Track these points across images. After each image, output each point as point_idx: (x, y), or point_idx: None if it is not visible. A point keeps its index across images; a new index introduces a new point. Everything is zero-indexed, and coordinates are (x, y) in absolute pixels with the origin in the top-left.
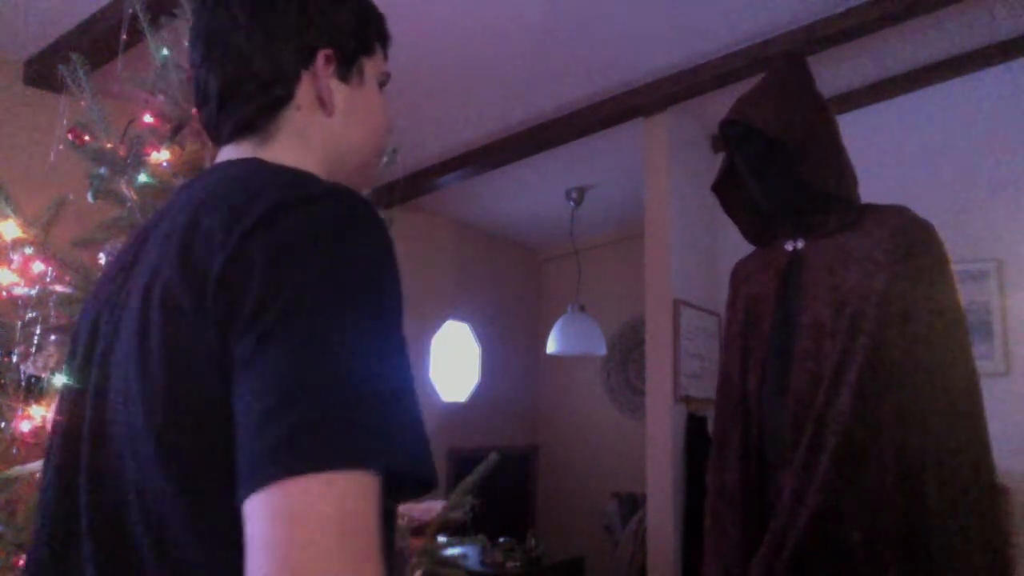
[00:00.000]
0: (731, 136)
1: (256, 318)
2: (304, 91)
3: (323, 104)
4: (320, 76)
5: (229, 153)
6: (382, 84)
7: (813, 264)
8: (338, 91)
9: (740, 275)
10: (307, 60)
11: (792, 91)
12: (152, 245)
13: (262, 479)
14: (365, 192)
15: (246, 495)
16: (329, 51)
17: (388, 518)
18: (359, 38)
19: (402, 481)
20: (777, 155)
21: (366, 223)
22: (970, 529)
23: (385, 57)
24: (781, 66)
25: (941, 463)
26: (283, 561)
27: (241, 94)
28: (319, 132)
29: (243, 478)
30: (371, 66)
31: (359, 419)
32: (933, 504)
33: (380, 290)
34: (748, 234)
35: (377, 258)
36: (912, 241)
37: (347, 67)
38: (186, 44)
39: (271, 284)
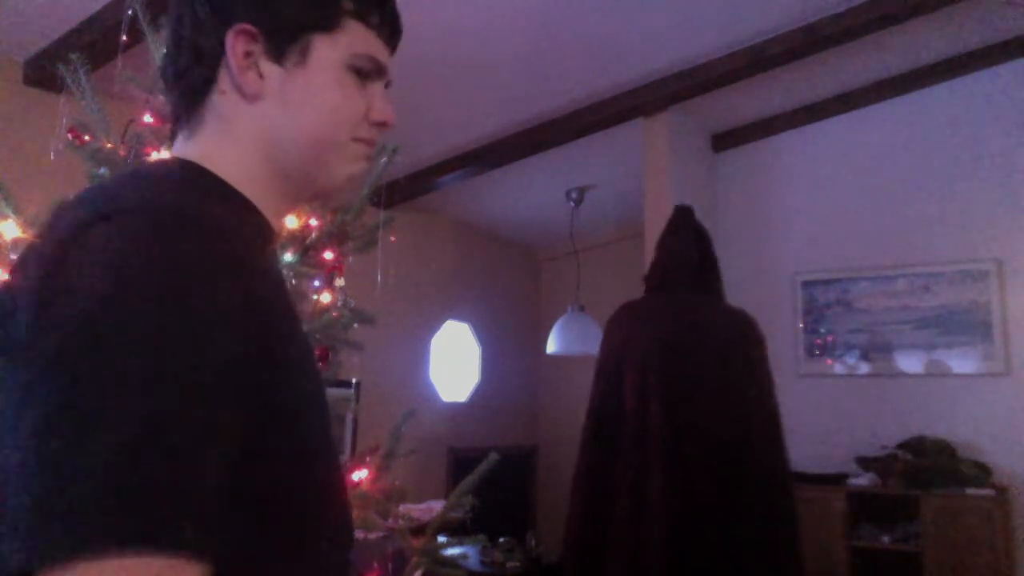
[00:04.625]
0: None
1: (18, 364)
2: (226, 73)
3: (238, 88)
4: (232, 55)
5: (174, 145)
6: (360, 69)
7: None
8: (270, 73)
9: None
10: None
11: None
12: None
13: (19, 558)
14: (365, 189)
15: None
16: (246, 26)
17: None
18: (308, 12)
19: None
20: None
21: (155, 251)
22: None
23: (378, 34)
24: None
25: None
26: None
27: (171, 79)
28: (245, 120)
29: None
30: (329, 45)
31: (102, 495)
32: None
33: (154, 334)
34: None
35: (158, 295)
36: None
37: (281, 45)
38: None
39: (37, 325)
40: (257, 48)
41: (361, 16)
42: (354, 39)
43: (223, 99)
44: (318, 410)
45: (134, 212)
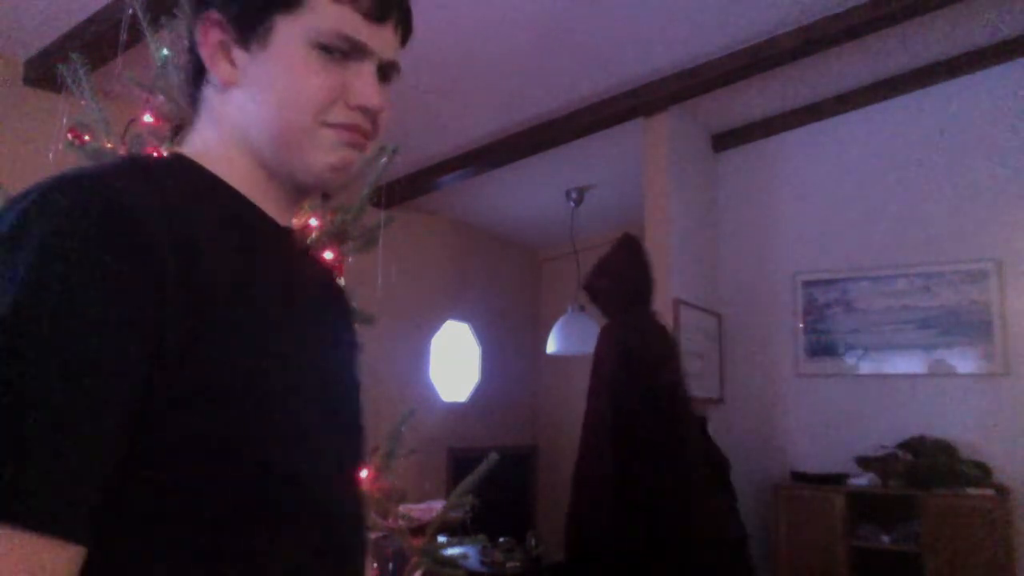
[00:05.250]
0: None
1: None
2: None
3: (216, 76)
4: (201, 44)
5: None
6: (328, 47)
7: None
8: (240, 60)
9: None
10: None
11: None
12: None
13: None
14: (365, 189)
15: None
16: (213, 14)
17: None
18: None
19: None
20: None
21: (44, 223)
22: None
23: (355, 9)
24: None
25: None
26: None
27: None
28: (224, 110)
29: None
30: (291, 25)
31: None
32: None
33: (37, 296)
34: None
35: (38, 262)
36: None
37: (247, 30)
38: (186, 44)
39: None
40: (228, 36)
41: None
42: (320, 16)
43: (209, 90)
44: (297, 399)
45: (45, 190)
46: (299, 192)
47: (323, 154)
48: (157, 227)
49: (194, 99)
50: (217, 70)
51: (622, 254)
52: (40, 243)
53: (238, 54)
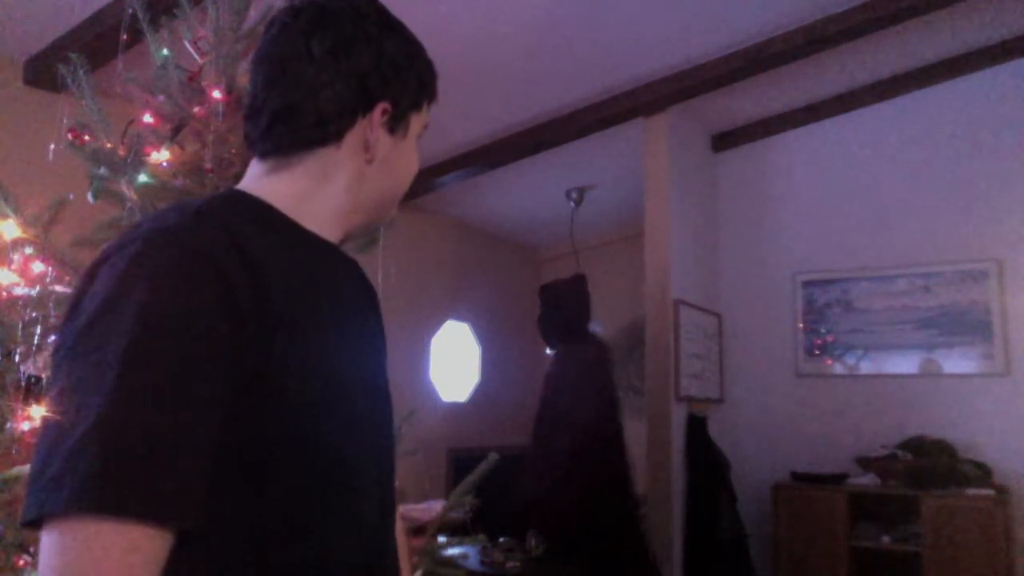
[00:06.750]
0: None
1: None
2: (353, 134)
3: (367, 150)
4: (374, 125)
5: (251, 168)
6: (419, 136)
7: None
8: (383, 141)
9: None
10: (367, 108)
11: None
12: None
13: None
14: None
15: None
16: (387, 105)
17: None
18: (415, 97)
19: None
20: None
21: (146, 274)
22: None
23: (429, 107)
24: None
25: None
26: None
27: (295, 120)
28: (349, 174)
29: None
30: (416, 121)
31: (78, 470)
32: None
33: (128, 339)
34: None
35: (135, 309)
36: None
37: (397, 121)
38: (186, 44)
39: (64, 325)
40: (383, 120)
41: (431, 98)
42: (423, 115)
43: (337, 153)
44: (349, 398)
45: (137, 240)
46: (368, 229)
47: (396, 208)
48: (232, 277)
49: (295, 148)
50: (378, 146)
51: (581, 286)
52: (140, 300)
53: (384, 136)
